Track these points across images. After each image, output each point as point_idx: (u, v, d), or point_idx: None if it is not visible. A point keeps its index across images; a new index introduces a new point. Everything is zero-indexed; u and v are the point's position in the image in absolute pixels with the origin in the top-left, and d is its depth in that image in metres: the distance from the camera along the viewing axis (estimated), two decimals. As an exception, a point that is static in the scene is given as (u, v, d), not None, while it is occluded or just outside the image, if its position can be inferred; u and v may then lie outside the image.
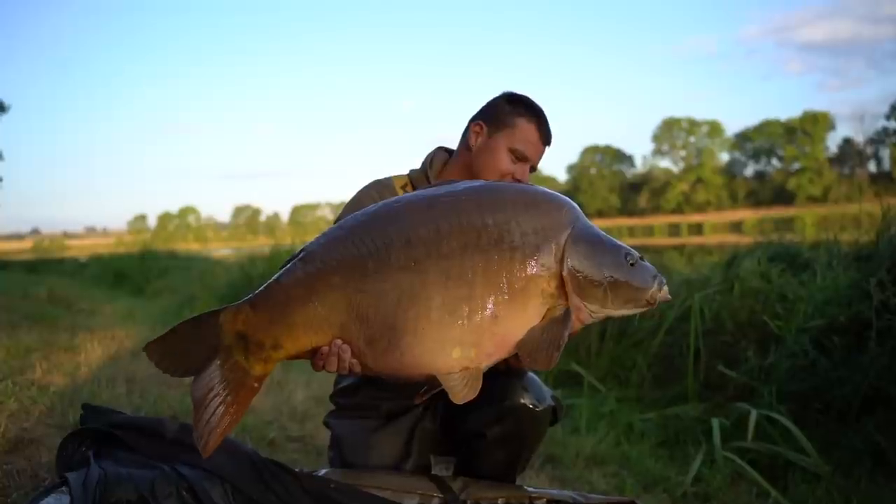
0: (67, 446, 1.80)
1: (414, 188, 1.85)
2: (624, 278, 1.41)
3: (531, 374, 1.82)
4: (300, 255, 1.39)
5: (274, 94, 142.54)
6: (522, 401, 1.73)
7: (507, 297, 1.34)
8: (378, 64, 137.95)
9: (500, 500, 1.80)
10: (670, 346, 4.26)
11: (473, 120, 1.87)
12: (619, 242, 1.47)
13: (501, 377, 1.68)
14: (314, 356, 1.39)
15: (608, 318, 1.52)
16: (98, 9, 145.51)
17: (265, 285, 1.39)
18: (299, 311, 1.35)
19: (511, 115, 1.81)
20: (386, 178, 1.91)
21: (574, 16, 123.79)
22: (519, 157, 1.80)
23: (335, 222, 1.72)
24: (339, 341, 1.36)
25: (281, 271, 1.40)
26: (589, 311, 1.42)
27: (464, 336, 1.33)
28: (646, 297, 1.44)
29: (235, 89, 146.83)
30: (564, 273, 1.39)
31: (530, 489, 1.85)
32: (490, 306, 1.33)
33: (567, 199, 1.49)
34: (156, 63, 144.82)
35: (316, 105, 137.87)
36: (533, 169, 1.85)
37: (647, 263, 1.47)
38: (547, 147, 1.86)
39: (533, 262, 1.37)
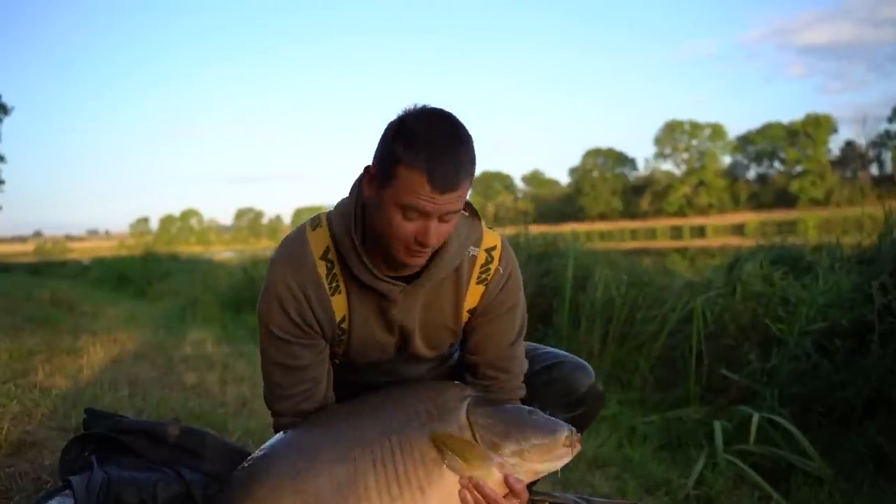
0: (70, 450, 1.80)
1: (338, 252, 1.50)
2: (531, 425, 1.52)
3: (578, 358, 1.85)
4: (246, 466, 1.49)
5: (275, 97, 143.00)
6: (589, 382, 1.79)
7: (425, 467, 1.45)
8: (378, 66, 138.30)
9: (502, 503, 1.80)
10: (672, 348, 4.26)
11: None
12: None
13: (558, 370, 1.78)
14: None
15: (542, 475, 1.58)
16: (101, 11, 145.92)
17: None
18: None
19: (395, 163, 1.35)
20: (301, 251, 1.52)
21: (576, 19, 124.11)
22: (413, 216, 1.36)
23: (269, 273, 1.53)
24: None
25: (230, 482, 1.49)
26: (510, 465, 1.49)
27: None
28: (559, 443, 1.51)
29: (237, 92, 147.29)
30: (472, 432, 1.49)
31: (533, 491, 1.85)
32: (414, 480, 1.44)
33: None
34: (158, 67, 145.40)
35: (317, 108, 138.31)
36: (451, 213, 1.37)
37: (552, 417, 1.57)
38: (452, 193, 1.34)
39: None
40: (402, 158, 1.34)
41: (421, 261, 1.44)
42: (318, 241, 1.52)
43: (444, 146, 1.34)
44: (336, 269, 1.51)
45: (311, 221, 1.55)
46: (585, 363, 1.84)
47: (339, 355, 1.63)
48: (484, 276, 1.57)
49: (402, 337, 1.59)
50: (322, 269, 1.51)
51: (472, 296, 1.58)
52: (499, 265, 1.57)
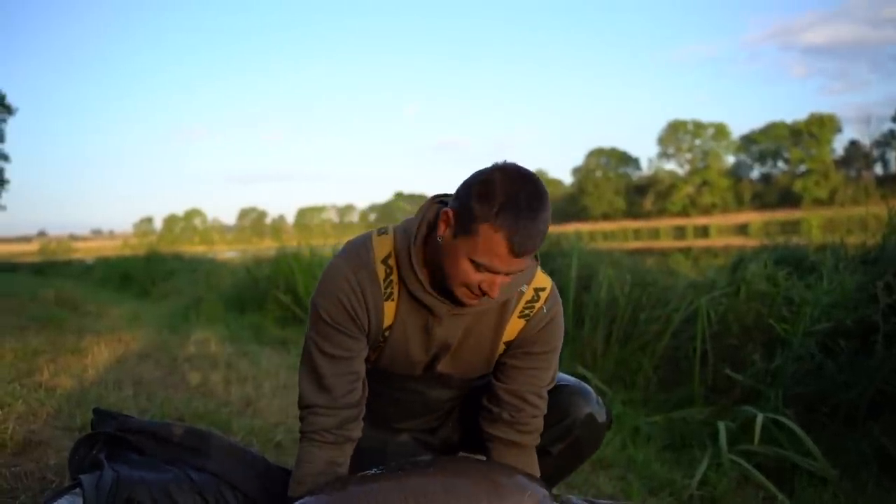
0: (79, 449, 1.81)
1: (398, 261, 1.54)
2: None
3: (583, 384, 1.82)
4: None
5: (279, 97, 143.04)
6: (588, 410, 1.76)
7: None
8: (381, 68, 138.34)
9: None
10: (676, 349, 4.25)
11: (449, 204, 1.48)
12: None
13: (557, 394, 1.72)
14: None
15: None
16: (106, 10, 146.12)
17: None
18: None
19: (477, 220, 1.38)
20: (364, 251, 1.57)
21: (579, 20, 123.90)
22: (483, 269, 1.42)
23: (329, 268, 1.57)
24: None
25: None
26: None
27: None
28: None
29: (240, 92, 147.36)
30: None
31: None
32: None
33: (535, 485, 1.51)
34: (162, 67, 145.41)
35: (321, 108, 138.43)
36: (520, 270, 1.45)
37: None
38: (527, 256, 1.41)
39: None
40: (485, 218, 1.37)
41: (478, 303, 1.49)
42: (382, 246, 1.57)
43: (528, 214, 1.36)
44: (394, 276, 1.55)
45: (379, 230, 1.61)
46: (589, 389, 1.80)
47: (370, 361, 1.65)
48: (527, 311, 1.61)
49: (433, 358, 1.61)
50: (381, 271, 1.55)
51: (512, 328, 1.61)
52: (543, 305, 1.62)
